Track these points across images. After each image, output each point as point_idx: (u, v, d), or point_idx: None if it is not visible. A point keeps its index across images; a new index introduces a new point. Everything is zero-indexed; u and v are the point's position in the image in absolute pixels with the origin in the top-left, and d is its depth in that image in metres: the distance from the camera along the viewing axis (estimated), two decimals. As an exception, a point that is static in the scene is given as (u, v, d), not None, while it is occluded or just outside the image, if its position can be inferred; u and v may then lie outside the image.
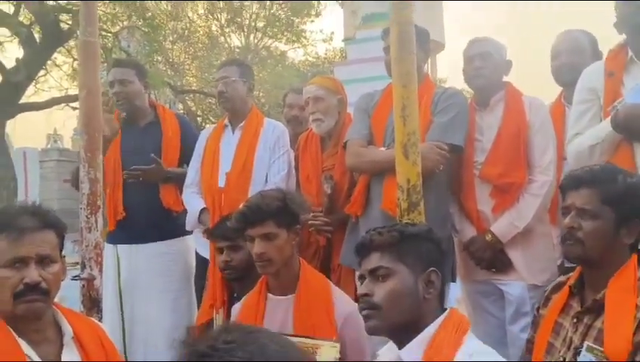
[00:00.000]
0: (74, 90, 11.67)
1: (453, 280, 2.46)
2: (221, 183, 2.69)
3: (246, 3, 15.54)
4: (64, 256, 1.51)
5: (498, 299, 2.48)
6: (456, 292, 2.73)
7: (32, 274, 1.38)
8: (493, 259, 2.41)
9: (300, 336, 1.74)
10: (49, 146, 21.02)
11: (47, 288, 1.41)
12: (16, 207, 1.49)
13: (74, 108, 11.97)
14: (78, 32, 10.04)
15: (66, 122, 19.22)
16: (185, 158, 2.97)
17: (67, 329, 1.48)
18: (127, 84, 2.92)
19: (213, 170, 2.73)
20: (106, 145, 2.78)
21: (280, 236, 1.83)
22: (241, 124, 2.80)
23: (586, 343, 1.50)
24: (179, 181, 2.89)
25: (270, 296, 1.92)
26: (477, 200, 2.44)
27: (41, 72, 10.63)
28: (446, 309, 1.43)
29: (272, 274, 1.88)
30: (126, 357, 2.82)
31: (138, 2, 10.41)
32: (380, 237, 1.37)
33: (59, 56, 11.90)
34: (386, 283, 1.36)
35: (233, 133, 2.82)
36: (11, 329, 1.41)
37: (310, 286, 1.84)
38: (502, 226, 2.38)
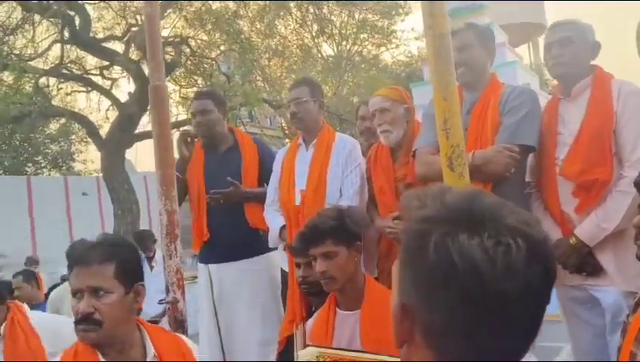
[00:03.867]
0: (182, 116, 12.56)
1: None
2: (298, 200, 2.78)
3: (335, 12, 15.76)
4: (140, 284, 1.60)
5: (594, 306, 2.30)
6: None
7: (82, 305, 1.50)
8: (581, 263, 2.23)
9: (367, 352, 1.77)
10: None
11: (100, 319, 1.49)
12: (85, 242, 1.61)
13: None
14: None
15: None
16: (265, 178, 3.12)
17: (150, 350, 1.60)
18: (206, 113, 3.15)
19: (290, 188, 2.83)
20: (185, 165, 3.04)
21: (340, 254, 1.87)
22: (314, 142, 2.88)
23: None
24: (260, 200, 3.03)
25: (339, 311, 1.96)
26: (560, 200, 2.28)
27: (153, 102, 11.58)
28: None
29: (337, 290, 1.93)
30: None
31: (232, 27, 10.94)
32: None
33: (168, 85, 12.85)
34: None
35: (307, 150, 2.91)
36: (98, 352, 1.56)
37: (375, 301, 1.85)
38: (587, 229, 2.19)
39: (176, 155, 3.41)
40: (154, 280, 4.54)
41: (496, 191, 2.21)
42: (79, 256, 1.56)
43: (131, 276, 1.58)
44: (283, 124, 17.48)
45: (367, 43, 17.80)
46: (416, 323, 0.72)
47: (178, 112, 12.94)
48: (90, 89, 11.73)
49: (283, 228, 2.83)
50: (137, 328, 1.65)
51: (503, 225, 0.69)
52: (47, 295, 4.38)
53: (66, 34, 9.85)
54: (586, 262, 2.23)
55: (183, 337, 1.81)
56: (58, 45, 10.22)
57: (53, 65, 10.51)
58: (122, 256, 1.58)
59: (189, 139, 3.11)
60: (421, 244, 0.70)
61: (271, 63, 16.21)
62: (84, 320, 1.50)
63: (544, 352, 4.02)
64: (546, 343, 4.17)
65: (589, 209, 2.20)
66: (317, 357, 1.82)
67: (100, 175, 12.36)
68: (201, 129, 3.16)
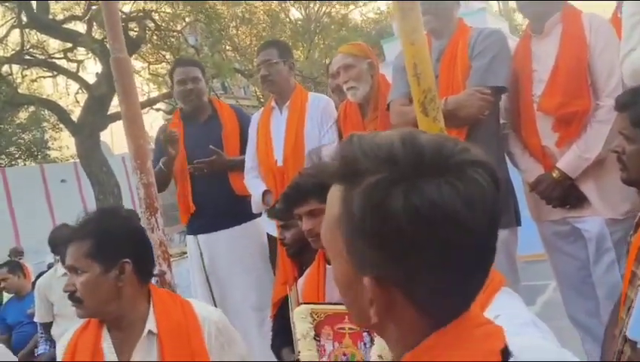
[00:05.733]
0: (154, 93, 12.35)
1: (518, 224, 2.38)
2: (278, 163, 2.77)
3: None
4: (126, 262, 1.53)
5: (577, 239, 2.35)
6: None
7: (67, 282, 1.53)
8: (565, 196, 2.27)
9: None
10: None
11: (80, 297, 1.50)
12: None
13: (157, 110, 12.70)
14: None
15: (152, 124, 20.10)
16: (246, 145, 3.09)
17: (148, 326, 1.56)
18: (197, 81, 3.10)
19: (268, 152, 2.81)
20: (172, 162, 2.97)
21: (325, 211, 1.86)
22: (287, 103, 2.85)
23: None
24: (243, 167, 3.01)
25: (328, 267, 1.97)
26: (540, 136, 2.29)
27: (122, 82, 11.31)
28: None
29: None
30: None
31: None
32: None
33: (136, 63, 12.60)
34: None
35: (281, 113, 2.88)
36: (105, 327, 1.58)
37: (363, 253, 1.85)
38: (569, 160, 2.22)
39: (150, 134, 3.32)
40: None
41: (471, 135, 2.23)
42: (69, 234, 1.56)
43: (111, 254, 1.52)
44: (257, 93, 17.29)
45: (335, 3, 17.51)
46: (395, 293, 0.66)
47: (149, 90, 12.74)
48: (55, 73, 11.48)
49: (265, 193, 2.82)
50: (148, 301, 1.62)
51: (459, 161, 0.64)
52: (34, 284, 4.35)
53: (24, 18, 9.53)
54: (568, 195, 2.27)
55: (199, 306, 1.71)
56: (17, 31, 9.91)
57: (14, 52, 10.21)
58: (100, 234, 1.52)
59: (174, 140, 2.97)
60: (381, 211, 0.62)
61: (239, 32, 15.90)
62: (70, 298, 1.51)
63: (531, 291, 4.15)
64: (533, 282, 4.29)
65: (569, 141, 2.23)
66: (310, 314, 1.84)
67: (78, 160, 12.17)
68: (190, 97, 3.09)
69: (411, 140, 0.65)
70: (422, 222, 0.60)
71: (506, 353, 0.66)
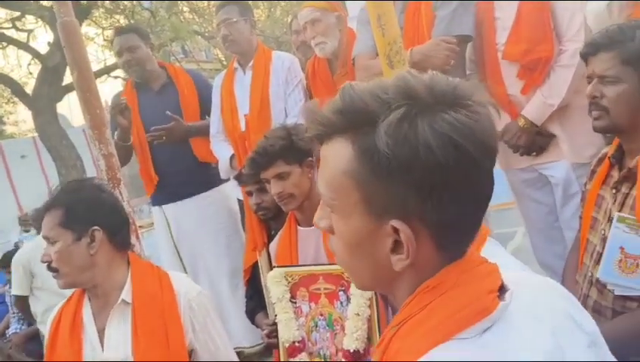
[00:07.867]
0: (111, 60, 11.89)
1: None
2: (243, 126, 2.70)
3: None
4: (96, 229, 1.52)
5: (544, 185, 2.38)
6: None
7: (43, 253, 1.53)
8: (531, 143, 2.28)
9: (334, 264, 1.78)
10: (105, 118, 21.74)
11: (56, 266, 1.51)
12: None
13: (115, 78, 12.26)
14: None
15: (112, 92, 19.35)
16: (206, 111, 3.00)
17: (123, 295, 1.55)
18: (134, 50, 2.94)
19: (233, 115, 2.74)
20: (127, 133, 2.85)
21: (293, 172, 1.83)
22: (250, 64, 2.76)
23: (616, 213, 1.42)
24: (205, 133, 2.92)
25: (300, 228, 1.95)
26: (506, 84, 2.28)
27: (76, 50, 10.82)
28: None
29: (296, 208, 1.91)
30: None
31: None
32: None
33: (89, 29, 12.07)
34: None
35: (244, 73, 2.79)
36: (86, 295, 1.59)
37: (334, 212, 1.84)
38: (534, 108, 2.22)
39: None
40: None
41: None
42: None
43: (81, 222, 1.52)
44: (220, 56, 16.83)
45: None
46: (419, 231, 0.65)
47: (105, 57, 12.24)
48: (5, 44, 10.90)
49: (232, 157, 2.76)
50: (127, 271, 1.61)
51: (462, 95, 0.65)
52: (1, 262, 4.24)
53: (-36, -14, 8.97)
54: (534, 142, 2.28)
55: (178, 280, 1.68)
56: (-42, 1, 9.33)
57: (-43, 23, 9.63)
58: (70, 203, 1.52)
59: (123, 108, 2.83)
60: (411, 141, 0.61)
61: (196, -8, 15.28)
62: (48, 268, 1.53)
63: (500, 238, 4.27)
64: (503, 229, 4.41)
65: (534, 88, 2.22)
66: (285, 277, 1.83)
67: (37, 135, 11.72)
68: (131, 69, 2.96)
69: (411, 78, 0.65)
70: (452, 147, 0.61)
71: (503, 289, 0.69)
